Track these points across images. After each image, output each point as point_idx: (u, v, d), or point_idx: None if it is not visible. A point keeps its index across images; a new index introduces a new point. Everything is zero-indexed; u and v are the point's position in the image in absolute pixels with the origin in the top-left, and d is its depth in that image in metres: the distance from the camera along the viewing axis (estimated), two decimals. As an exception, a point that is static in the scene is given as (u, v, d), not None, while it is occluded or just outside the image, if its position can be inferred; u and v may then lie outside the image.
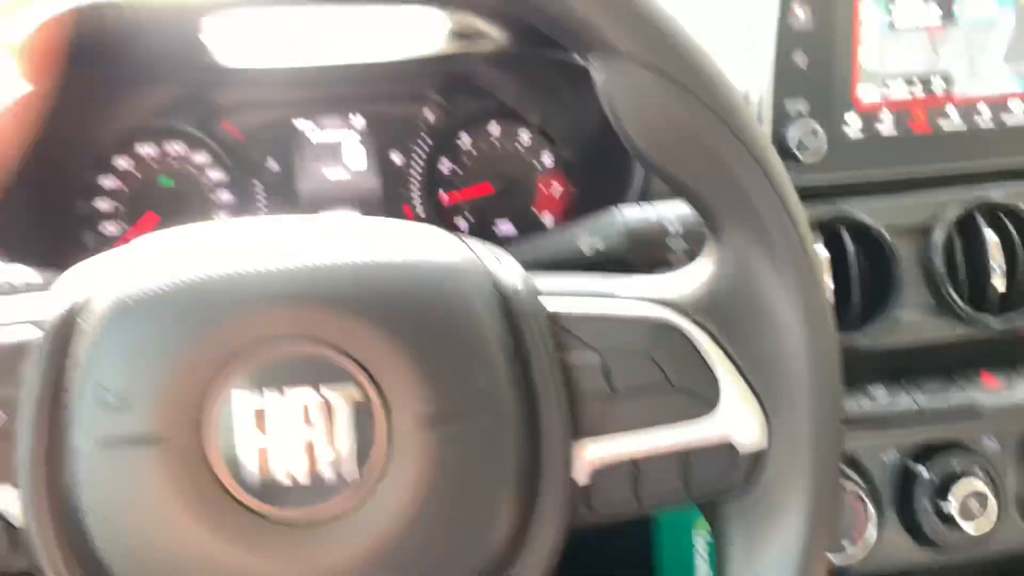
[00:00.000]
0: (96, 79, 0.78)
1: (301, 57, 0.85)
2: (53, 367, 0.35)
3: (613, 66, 0.38)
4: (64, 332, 0.36)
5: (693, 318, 0.41)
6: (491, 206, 0.91)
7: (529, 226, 0.92)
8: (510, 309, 0.39)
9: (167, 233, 0.41)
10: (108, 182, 0.83)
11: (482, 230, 0.92)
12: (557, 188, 0.92)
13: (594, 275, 0.45)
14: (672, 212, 0.63)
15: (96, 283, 0.37)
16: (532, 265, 0.59)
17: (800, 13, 0.73)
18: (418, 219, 0.90)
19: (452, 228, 0.91)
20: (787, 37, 0.73)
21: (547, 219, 0.92)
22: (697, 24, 0.82)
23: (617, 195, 0.84)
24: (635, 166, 0.81)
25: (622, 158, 0.82)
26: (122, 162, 0.83)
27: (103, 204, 0.83)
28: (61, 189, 0.81)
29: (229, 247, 0.38)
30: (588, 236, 0.63)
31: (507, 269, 0.41)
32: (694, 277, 0.43)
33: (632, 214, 0.63)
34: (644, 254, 0.62)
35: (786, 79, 0.74)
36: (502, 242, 0.91)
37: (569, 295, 0.42)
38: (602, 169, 0.89)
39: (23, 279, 0.54)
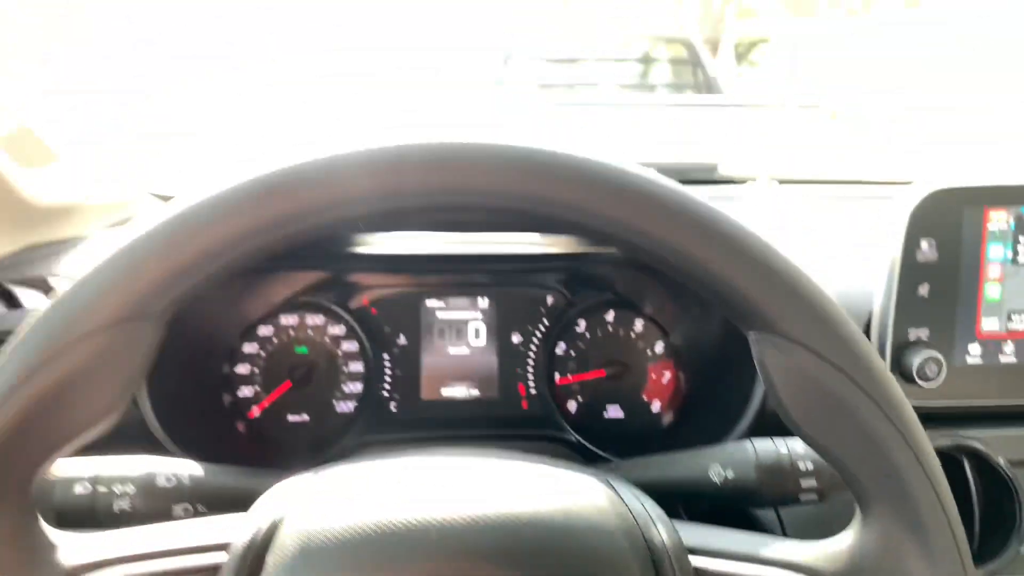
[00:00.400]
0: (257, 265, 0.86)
1: (436, 245, 0.91)
2: None
3: (773, 342, 0.41)
4: (252, 566, 0.39)
5: None
6: (603, 389, 0.94)
7: (638, 411, 0.94)
8: (659, 565, 0.41)
9: (349, 470, 0.45)
10: (250, 348, 0.89)
11: (592, 412, 0.94)
12: (667, 376, 0.95)
13: (739, 533, 0.47)
14: (803, 448, 0.64)
15: (284, 517, 0.41)
16: (661, 485, 0.61)
17: (926, 247, 0.76)
18: (531, 398, 0.94)
19: (564, 409, 0.94)
20: (912, 269, 0.76)
21: (655, 406, 0.95)
22: (826, 251, 0.87)
23: (727, 388, 0.86)
24: (753, 372, 0.84)
25: (736, 354, 0.85)
26: (265, 331, 0.90)
27: (242, 368, 0.89)
28: (209, 352, 0.87)
29: (404, 494, 0.41)
30: (719, 465, 0.65)
31: (655, 521, 0.43)
32: (839, 546, 0.44)
33: (764, 447, 0.65)
34: (774, 488, 0.64)
35: (909, 308, 0.77)
36: (615, 427, 0.94)
37: (716, 555, 0.43)
38: (714, 362, 0.91)
39: (187, 472, 0.59)
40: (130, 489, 0.57)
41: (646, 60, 6.12)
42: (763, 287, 0.41)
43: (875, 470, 0.42)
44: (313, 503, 0.41)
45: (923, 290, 0.77)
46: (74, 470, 0.57)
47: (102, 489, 0.56)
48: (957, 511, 0.43)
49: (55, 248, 0.97)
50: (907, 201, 0.76)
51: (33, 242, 0.97)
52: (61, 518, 0.55)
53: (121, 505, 0.57)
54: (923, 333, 0.77)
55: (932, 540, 0.41)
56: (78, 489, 0.56)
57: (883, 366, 0.43)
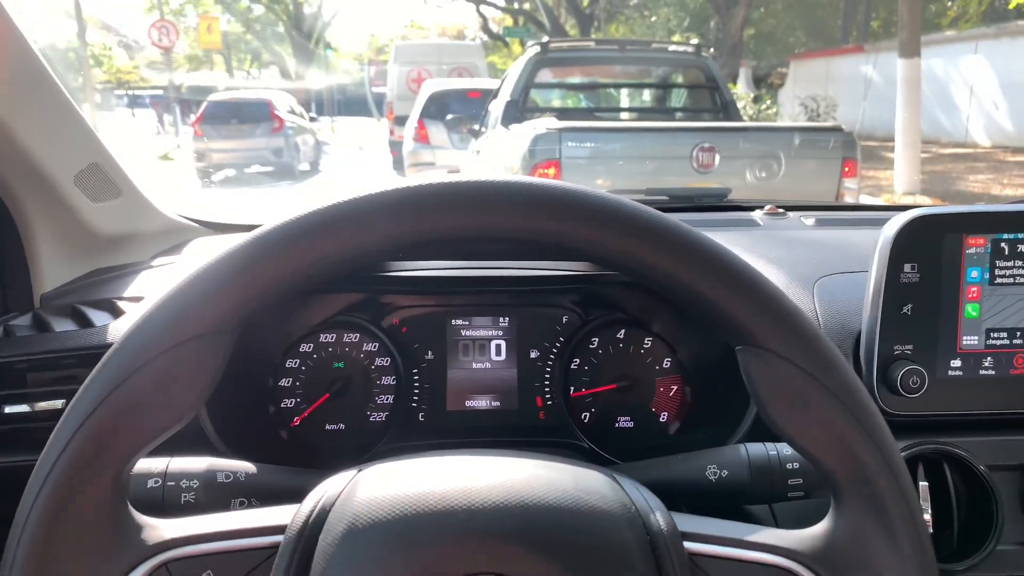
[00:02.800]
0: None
1: (460, 269, 1.00)
2: (295, 571, 0.45)
3: (755, 353, 0.49)
4: (305, 544, 0.46)
5: (812, 568, 0.49)
6: (614, 401, 1.02)
7: (646, 421, 1.02)
8: (656, 548, 0.47)
9: (388, 466, 0.52)
10: (292, 363, 0.98)
11: (604, 422, 1.02)
12: (674, 389, 1.02)
13: (729, 522, 0.54)
14: (790, 451, 0.71)
15: (333, 504, 0.47)
16: (663, 484, 0.69)
17: (908, 269, 0.83)
18: (548, 409, 1.01)
19: (579, 420, 1.01)
20: (896, 289, 0.83)
21: (663, 416, 1.02)
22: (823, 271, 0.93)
23: (727, 400, 0.93)
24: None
25: (736, 369, 0.92)
26: (306, 347, 0.98)
27: (284, 382, 0.98)
28: (256, 366, 0.96)
29: (435, 484, 0.48)
30: (715, 465, 0.72)
31: (653, 510, 0.50)
32: (816, 532, 0.51)
33: (755, 450, 0.72)
34: (764, 486, 0.71)
35: (894, 325, 0.84)
36: (625, 436, 1.01)
37: (708, 540, 0.50)
38: (716, 376, 0.98)
39: (242, 471, 0.68)
40: (195, 484, 0.65)
41: (664, 84, 6.22)
42: (744, 306, 0.48)
43: (844, 464, 0.48)
44: (358, 492, 0.48)
45: (907, 309, 0.83)
46: (146, 467, 0.66)
47: (171, 484, 0.65)
48: (919, 502, 0.50)
49: (116, 273, 1.07)
50: (890, 227, 0.83)
51: (97, 267, 1.07)
52: (135, 508, 0.64)
53: (187, 498, 0.65)
54: (907, 348, 0.84)
55: (896, 527, 0.47)
56: (150, 483, 0.65)
57: (851, 373, 0.49)
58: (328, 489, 0.50)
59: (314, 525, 0.47)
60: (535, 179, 0.49)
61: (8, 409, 0.81)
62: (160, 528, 0.48)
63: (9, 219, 0.92)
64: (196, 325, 0.45)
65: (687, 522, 0.51)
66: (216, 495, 0.66)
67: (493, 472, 0.50)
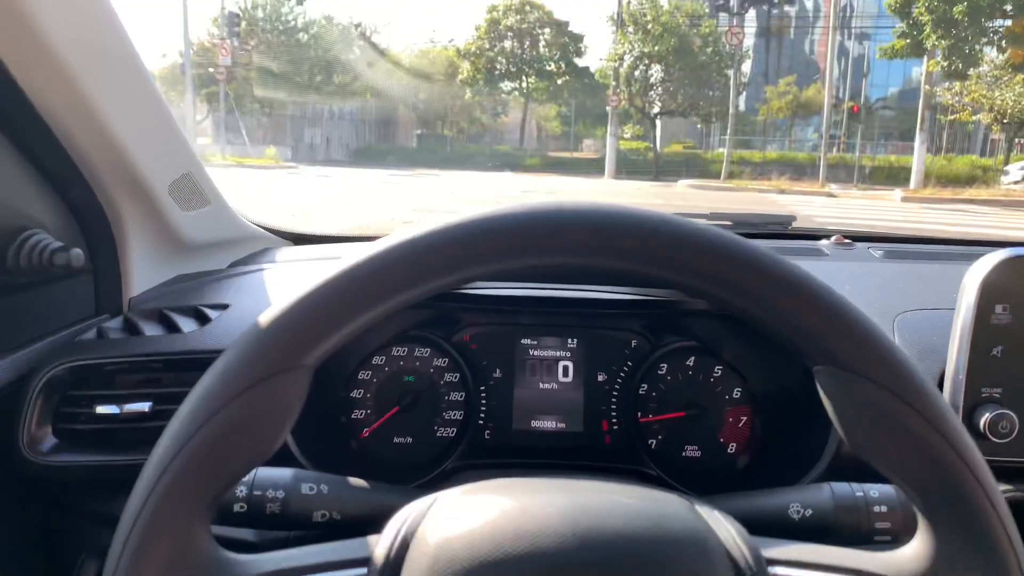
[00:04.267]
0: None
1: (531, 288, 1.00)
2: None
3: (833, 373, 0.47)
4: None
5: None
6: (682, 430, 1.01)
7: (714, 452, 1.00)
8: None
9: (468, 495, 0.51)
10: (364, 375, 1.00)
11: (671, 450, 1.01)
12: (743, 420, 1.00)
13: (814, 546, 0.53)
14: (878, 492, 0.69)
15: (415, 535, 0.47)
16: (744, 518, 0.68)
17: (999, 310, 0.81)
18: (614, 433, 1.01)
19: (645, 446, 1.00)
20: (985, 331, 0.81)
21: (731, 448, 1.00)
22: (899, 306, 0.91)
23: (802, 435, 0.91)
24: (828, 422, 0.89)
25: (812, 403, 0.90)
26: (378, 360, 1.00)
27: (356, 393, 1.00)
28: (331, 378, 0.98)
29: (516, 517, 0.47)
30: (798, 504, 0.71)
31: (736, 537, 0.49)
32: (904, 555, 0.49)
33: (841, 491, 0.70)
34: (850, 527, 0.69)
35: (982, 367, 0.81)
36: (692, 465, 1.00)
37: (793, 565, 0.49)
38: (790, 409, 0.96)
39: (325, 484, 0.69)
40: (280, 495, 0.66)
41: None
42: (823, 325, 0.47)
43: (935, 482, 0.46)
44: (437, 524, 0.48)
45: (996, 351, 0.81)
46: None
47: (257, 493, 0.66)
48: (1015, 524, 0.47)
49: (199, 280, 1.10)
50: (980, 268, 0.81)
51: (179, 274, 1.11)
52: (222, 515, 0.65)
53: (272, 508, 0.66)
54: (996, 392, 0.81)
55: (989, 552, 0.45)
56: (238, 492, 0.66)
57: (933, 388, 0.47)
58: (407, 519, 0.50)
59: (396, 557, 0.47)
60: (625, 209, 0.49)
61: (100, 409, 0.84)
62: (247, 564, 0.48)
63: (106, 224, 0.96)
64: (275, 364, 0.45)
65: (771, 548, 0.50)
66: (300, 506, 0.67)
67: (572, 502, 0.49)
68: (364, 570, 0.47)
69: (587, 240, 0.47)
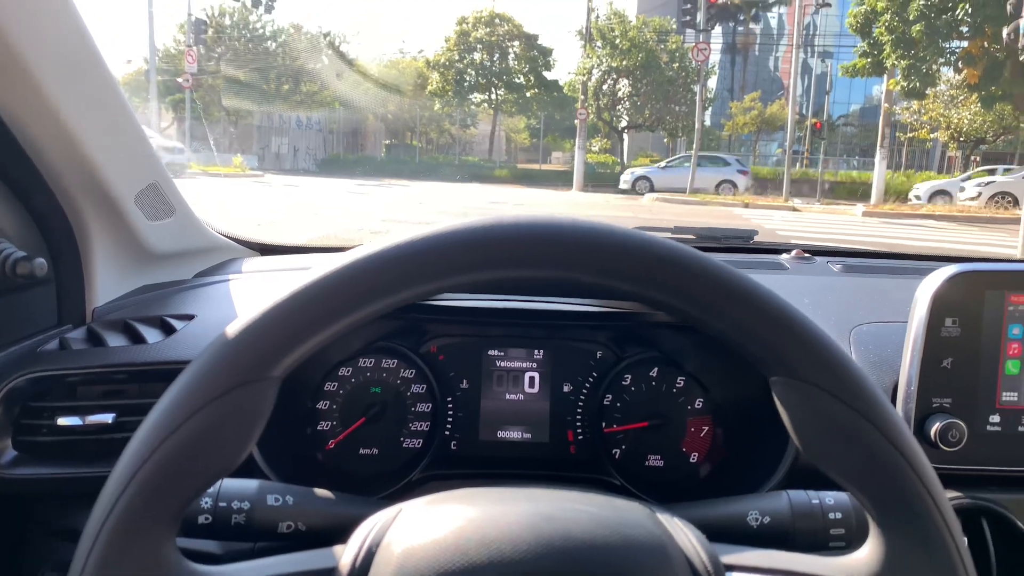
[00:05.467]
0: None
1: (498, 299, 1.01)
2: None
3: (790, 384, 0.49)
4: None
5: None
6: (645, 439, 1.02)
7: (677, 461, 1.02)
8: None
9: (431, 505, 0.51)
10: (330, 386, 1.00)
11: (635, 459, 1.02)
12: (705, 430, 1.02)
13: (769, 551, 0.54)
14: (833, 500, 0.72)
15: (378, 546, 0.47)
16: (703, 525, 0.69)
17: (949, 323, 0.84)
18: (579, 443, 1.02)
19: (610, 455, 1.02)
20: (936, 343, 0.84)
21: (693, 457, 1.02)
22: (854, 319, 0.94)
23: (762, 444, 0.93)
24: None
25: (771, 413, 0.92)
26: (345, 371, 1.00)
27: (322, 404, 1.00)
28: (297, 389, 0.98)
29: (479, 525, 0.47)
30: (756, 511, 0.72)
31: (695, 544, 0.50)
32: (856, 559, 0.51)
33: (797, 497, 0.72)
34: (806, 534, 0.71)
35: (933, 378, 0.84)
36: (655, 474, 1.02)
37: (752, 570, 0.50)
38: (750, 419, 0.99)
39: (290, 496, 0.68)
40: (245, 506, 0.66)
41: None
42: (778, 337, 0.49)
43: (884, 492, 0.48)
44: (401, 535, 0.48)
45: (946, 362, 0.84)
46: None
47: (222, 504, 0.66)
48: (960, 529, 0.49)
49: (164, 290, 1.09)
50: (931, 283, 0.84)
51: (145, 284, 1.10)
52: (186, 527, 0.65)
53: (237, 520, 0.66)
54: (946, 401, 0.84)
55: (936, 555, 0.47)
56: (203, 503, 0.66)
57: (885, 399, 0.49)
58: (372, 528, 0.50)
59: (361, 568, 0.47)
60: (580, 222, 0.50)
61: (61, 421, 0.83)
62: None
63: (70, 233, 0.95)
64: (246, 372, 0.45)
65: (730, 554, 0.51)
66: (265, 517, 0.66)
67: (534, 510, 0.50)
68: None
69: (561, 253, 0.48)
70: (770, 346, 0.49)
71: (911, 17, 15.46)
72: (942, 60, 16.68)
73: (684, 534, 0.51)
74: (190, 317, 0.98)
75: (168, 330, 0.94)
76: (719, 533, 0.73)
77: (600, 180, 24.75)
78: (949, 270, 0.84)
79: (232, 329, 0.46)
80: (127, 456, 0.44)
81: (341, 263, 0.47)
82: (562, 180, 24.85)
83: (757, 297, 0.50)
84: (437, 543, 0.46)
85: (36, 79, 0.77)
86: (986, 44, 15.02)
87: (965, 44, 16.09)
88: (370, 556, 0.47)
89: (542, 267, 0.48)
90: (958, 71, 17.32)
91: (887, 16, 16.10)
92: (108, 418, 0.84)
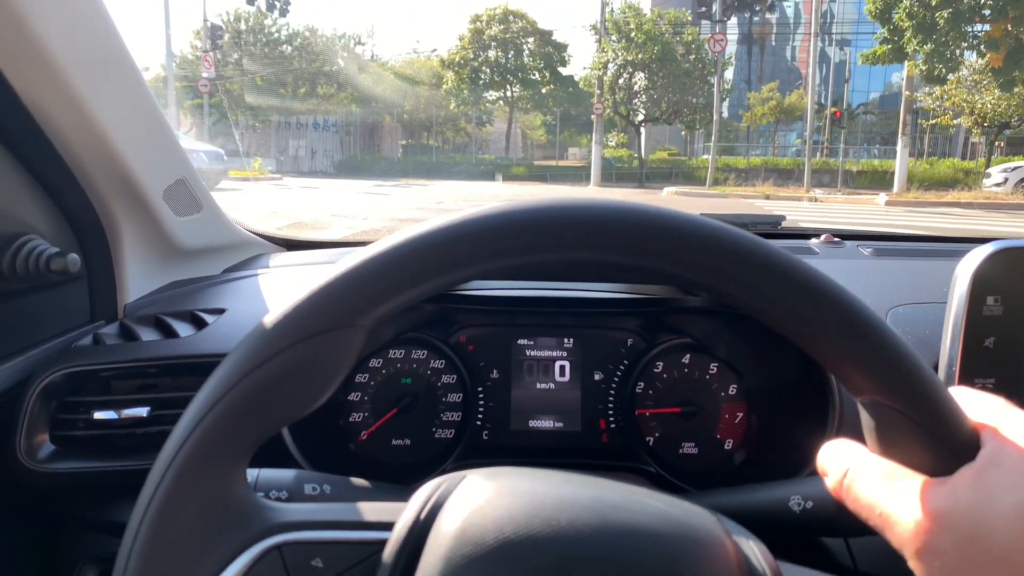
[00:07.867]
0: None
1: (528, 287, 1.01)
2: (402, 570, 0.45)
3: (883, 409, 0.47)
4: (414, 542, 0.46)
5: None
6: (678, 427, 1.01)
7: (711, 448, 1.01)
8: None
9: (497, 473, 0.51)
10: (361, 378, 1.00)
11: (668, 447, 1.01)
12: (739, 416, 1.01)
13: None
14: None
15: (442, 506, 0.47)
16: (744, 511, 0.68)
17: (991, 302, 0.82)
18: (611, 431, 1.01)
19: (643, 443, 1.01)
20: (978, 322, 0.82)
21: (728, 444, 1.01)
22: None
23: (797, 430, 0.92)
24: (822, 416, 0.89)
25: (806, 398, 0.91)
26: (375, 363, 1.00)
27: (354, 396, 1.00)
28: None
29: (544, 501, 0.46)
30: (799, 496, 0.71)
31: (762, 559, 0.48)
32: None
33: None
34: (849, 519, 0.70)
35: (975, 359, 0.82)
36: (689, 461, 1.00)
37: None
38: (785, 404, 0.97)
39: (327, 484, 0.69)
40: (283, 495, 0.66)
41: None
42: (877, 361, 0.46)
43: None
44: (470, 497, 0.47)
45: (988, 342, 0.82)
46: None
47: (260, 494, 0.66)
48: None
49: (193, 285, 1.10)
50: (971, 260, 0.82)
51: (174, 279, 1.11)
52: None
53: None
54: (989, 382, 0.82)
55: None
56: None
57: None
58: (439, 488, 0.50)
59: (423, 525, 0.47)
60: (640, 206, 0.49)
61: (97, 415, 0.84)
62: (279, 511, 0.49)
63: (101, 229, 0.96)
64: (336, 318, 0.46)
65: (791, 571, 0.50)
66: None
67: (601, 495, 0.49)
68: (388, 533, 0.47)
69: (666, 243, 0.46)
70: (867, 369, 0.47)
71: (933, 3, 15.24)
72: (965, 44, 16.42)
73: (749, 545, 0.50)
74: (221, 311, 0.99)
75: (200, 324, 0.95)
76: (761, 519, 0.72)
77: (618, 175, 24.60)
78: (990, 247, 0.82)
79: (326, 277, 0.46)
80: (212, 382, 0.45)
81: (443, 223, 0.47)
82: (580, 176, 24.79)
83: (861, 317, 0.47)
84: (503, 512, 0.46)
85: (66, 78, 0.78)
86: (1009, 27, 14.79)
87: (988, 27, 15.83)
88: (434, 513, 0.47)
89: (647, 256, 0.47)
90: (981, 55, 17.04)
91: (908, 1, 15.88)
92: (143, 412, 0.84)
